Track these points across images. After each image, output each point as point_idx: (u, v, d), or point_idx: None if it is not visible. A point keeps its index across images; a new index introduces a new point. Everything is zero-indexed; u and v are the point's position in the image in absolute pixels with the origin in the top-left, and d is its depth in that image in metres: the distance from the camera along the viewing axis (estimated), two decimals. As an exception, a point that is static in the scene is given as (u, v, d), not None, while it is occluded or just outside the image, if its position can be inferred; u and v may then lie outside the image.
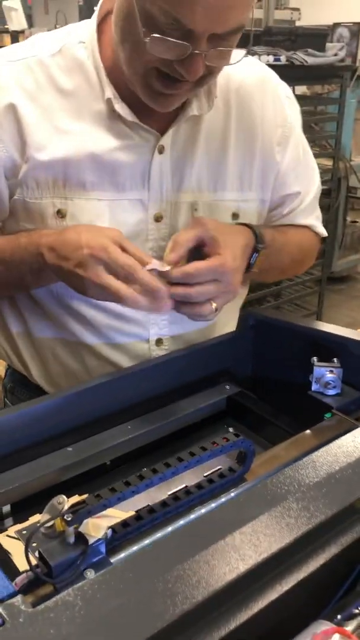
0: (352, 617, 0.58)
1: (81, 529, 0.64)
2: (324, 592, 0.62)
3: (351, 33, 5.22)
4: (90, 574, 0.63)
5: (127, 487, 0.68)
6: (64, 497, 0.64)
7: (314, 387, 0.97)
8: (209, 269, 0.92)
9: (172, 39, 0.82)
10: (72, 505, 0.64)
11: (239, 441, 0.77)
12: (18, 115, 0.97)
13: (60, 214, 1.00)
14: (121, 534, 0.70)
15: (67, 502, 0.64)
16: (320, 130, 4.43)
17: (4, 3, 4.25)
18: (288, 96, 1.14)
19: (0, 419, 0.84)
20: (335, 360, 0.97)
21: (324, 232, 1.24)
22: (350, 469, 0.67)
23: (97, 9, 1.01)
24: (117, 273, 0.88)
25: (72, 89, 0.99)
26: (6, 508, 0.80)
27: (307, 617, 0.57)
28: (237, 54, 0.90)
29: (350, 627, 0.56)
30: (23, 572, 0.63)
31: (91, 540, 0.64)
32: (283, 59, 3.29)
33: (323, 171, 3.89)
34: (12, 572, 0.64)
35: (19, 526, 0.74)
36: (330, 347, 0.99)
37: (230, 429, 1.01)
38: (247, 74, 1.08)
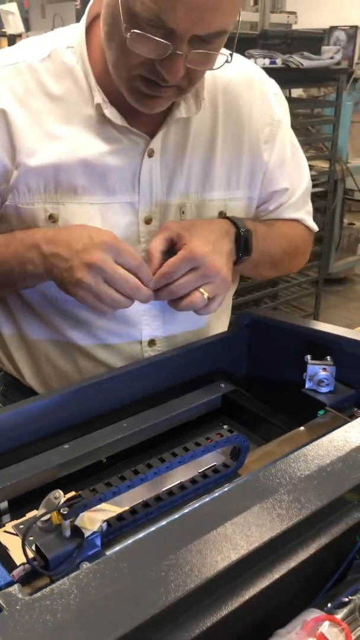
0: (342, 605, 0.59)
1: (77, 522, 0.65)
2: (314, 581, 0.63)
3: (347, 36, 5.24)
4: (86, 566, 0.64)
5: (122, 482, 0.69)
6: (60, 491, 0.65)
7: (307, 384, 0.98)
8: (181, 260, 0.95)
9: (153, 36, 0.83)
10: (68, 500, 0.65)
11: (232, 437, 0.79)
12: (8, 120, 0.97)
13: (52, 218, 1.01)
14: (116, 528, 0.71)
15: (63, 496, 0.65)
16: (316, 132, 4.45)
17: (0, 7, 4.26)
18: (275, 93, 1.14)
19: (-3, 417, 0.85)
20: (329, 358, 0.98)
21: (314, 226, 1.25)
22: (340, 462, 0.68)
23: (85, 12, 1.01)
24: (117, 286, 0.92)
25: (62, 94, 0.99)
26: (3, 505, 0.81)
27: (299, 605, 0.58)
28: (223, 58, 0.91)
29: (340, 615, 0.58)
30: (20, 564, 0.64)
31: (87, 534, 0.65)
32: (279, 62, 3.32)
33: (319, 173, 3.91)
34: (9, 566, 0.64)
35: (16, 522, 0.75)
36: (324, 345, 1.00)
37: (225, 427, 1.02)
38: (234, 74, 1.08)
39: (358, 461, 0.68)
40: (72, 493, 0.67)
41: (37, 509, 0.66)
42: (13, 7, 4.16)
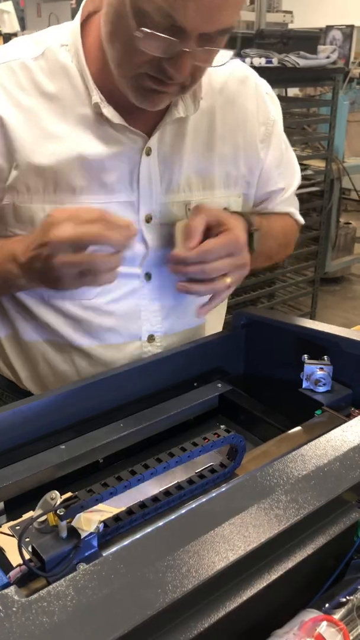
0: (340, 605, 0.59)
1: (74, 523, 0.65)
2: (312, 581, 0.63)
3: (344, 35, 5.25)
4: (82, 567, 0.64)
5: (119, 482, 0.69)
6: (57, 492, 0.65)
7: (304, 384, 0.98)
8: (224, 244, 0.97)
9: (163, 35, 0.83)
10: (65, 500, 0.65)
11: (229, 436, 0.78)
12: (3, 121, 0.97)
13: None
14: (113, 528, 0.71)
15: (59, 497, 0.65)
16: (313, 131, 4.46)
17: (-4, 6, 4.26)
18: (268, 92, 1.16)
19: (-7, 417, 0.85)
20: (326, 358, 0.98)
21: (302, 219, 1.30)
22: (338, 462, 0.68)
23: (79, 10, 1.01)
24: (91, 242, 0.87)
25: (57, 93, 0.99)
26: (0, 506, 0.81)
27: (296, 606, 0.58)
28: (224, 55, 0.92)
29: (338, 615, 0.58)
30: (16, 566, 0.64)
31: (83, 535, 0.65)
32: (275, 61, 3.31)
33: (316, 173, 3.90)
34: (5, 567, 0.64)
35: (12, 523, 0.75)
36: (321, 345, 1.00)
37: (222, 427, 1.01)
38: (230, 74, 1.09)
39: (355, 461, 0.68)
40: (69, 494, 0.66)
41: (33, 510, 0.66)
42: (9, 5, 4.17)
